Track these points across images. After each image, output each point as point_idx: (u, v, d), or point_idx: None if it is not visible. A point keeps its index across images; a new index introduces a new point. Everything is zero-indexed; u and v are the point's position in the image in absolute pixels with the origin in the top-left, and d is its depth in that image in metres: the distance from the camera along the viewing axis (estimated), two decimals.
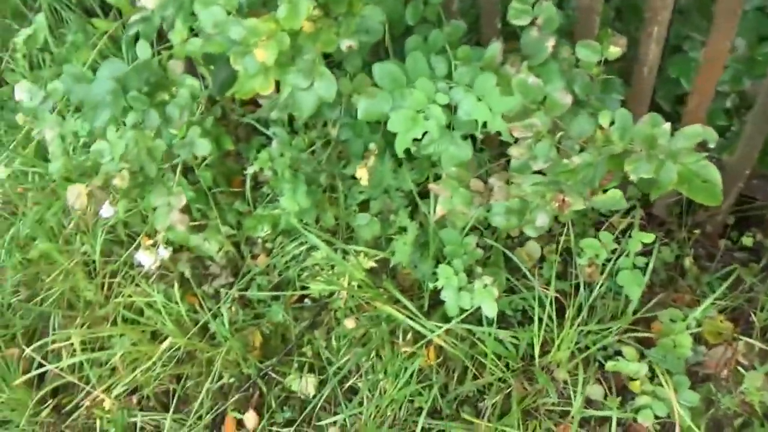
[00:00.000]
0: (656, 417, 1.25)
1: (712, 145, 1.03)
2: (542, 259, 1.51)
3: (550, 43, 1.19)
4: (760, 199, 1.40)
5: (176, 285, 1.62)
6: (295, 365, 1.55)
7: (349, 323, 1.50)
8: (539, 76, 1.17)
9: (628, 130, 1.04)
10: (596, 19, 1.24)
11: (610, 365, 1.29)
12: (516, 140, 1.12)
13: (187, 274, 1.69)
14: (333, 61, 1.38)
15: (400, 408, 1.40)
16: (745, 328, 1.34)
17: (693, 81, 1.28)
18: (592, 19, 1.24)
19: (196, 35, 1.34)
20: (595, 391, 1.34)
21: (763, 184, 1.38)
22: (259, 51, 1.19)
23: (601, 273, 1.35)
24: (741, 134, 1.32)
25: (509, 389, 1.38)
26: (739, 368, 1.30)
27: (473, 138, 1.23)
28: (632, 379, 1.30)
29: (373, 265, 1.50)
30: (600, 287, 1.35)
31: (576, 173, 1.04)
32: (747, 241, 1.40)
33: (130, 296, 1.65)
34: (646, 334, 1.34)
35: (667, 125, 1.03)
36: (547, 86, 1.15)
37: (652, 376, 1.28)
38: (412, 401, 1.41)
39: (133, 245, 1.70)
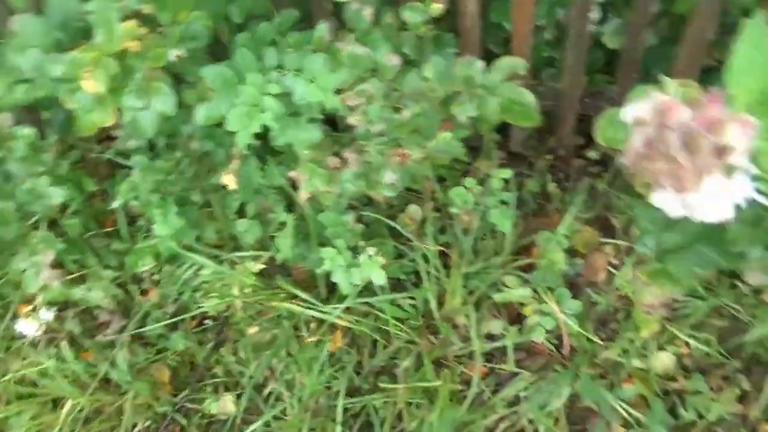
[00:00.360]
0: (547, 331, 1.34)
1: (522, 72, 1.12)
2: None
3: (368, 12, 1.24)
4: (594, 114, 1.52)
5: (66, 344, 1.54)
6: (210, 388, 1.51)
7: (252, 330, 1.49)
8: (367, 45, 1.22)
9: (446, 75, 1.11)
10: None
11: (498, 297, 1.36)
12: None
13: (77, 330, 1.60)
14: (177, 74, 1.37)
15: (320, 397, 1.41)
16: (609, 232, 1.46)
17: (512, 22, 1.38)
18: None
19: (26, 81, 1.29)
20: (495, 326, 1.41)
21: (593, 101, 1.51)
22: (88, 82, 1.16)
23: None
24: (564, 62, 1.44)
25: (418, 348, 1.42)
26: (611, 269, 1.41)
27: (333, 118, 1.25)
28: (523, 305, 1.38)
29: (263, 266, 1.50)
30: (477, 230, 1.43)
31: (407, 125, 1.09)
32: (593, 155, 1.53)
33: (18, 371, 1.55)
34: (527, 261, 1.43)
35: (480, 63, 1.10)
36: (375, 53, 1.20)
37: (540, 298, 1.37)
38: (329, 387, 1.42)
39: (10, 316, 1.60)
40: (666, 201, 0.54)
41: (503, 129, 1.58)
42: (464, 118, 1.08)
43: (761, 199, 0.55)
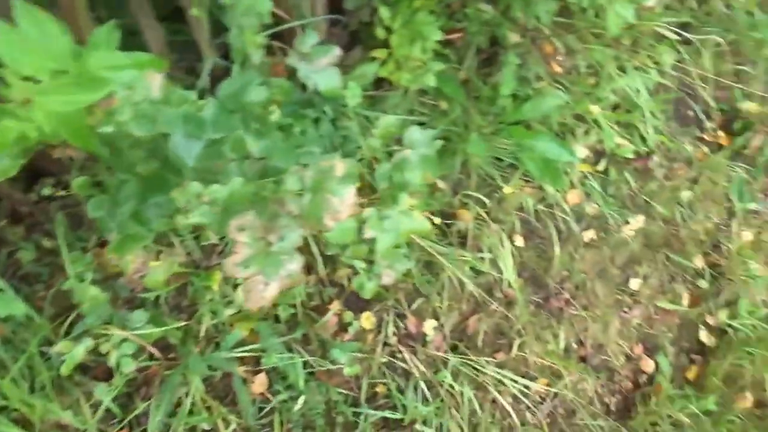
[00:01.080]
0: (136, 354, 1.32)
1: None
2: None
3: None
4: None
5: None
6: None
7: None
8: None
9: None
10: None
11: (64, 370, 1.25)
12: None
13: None
14: None
15: None
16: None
17: None
18: None
19: None
20: (98, 392, 1.31)
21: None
22: None
23: None
24: None
25: None
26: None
27: None
28: (102, 355, 1.31)
29: None
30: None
31: None
32: (48, 190, 1.48)
33: None
34: (74, 316, 1.34)
35: None
36: None
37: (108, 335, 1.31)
38: None
39: None
40: None
41: None
42: None
43: None
